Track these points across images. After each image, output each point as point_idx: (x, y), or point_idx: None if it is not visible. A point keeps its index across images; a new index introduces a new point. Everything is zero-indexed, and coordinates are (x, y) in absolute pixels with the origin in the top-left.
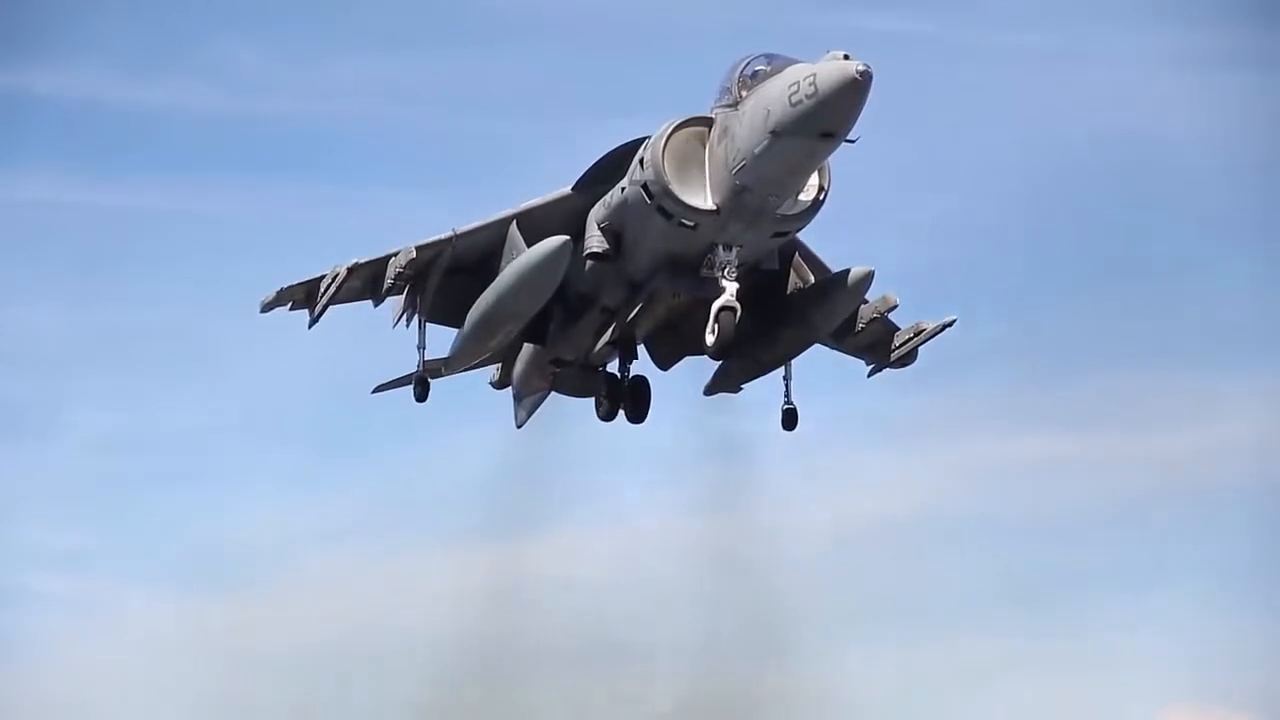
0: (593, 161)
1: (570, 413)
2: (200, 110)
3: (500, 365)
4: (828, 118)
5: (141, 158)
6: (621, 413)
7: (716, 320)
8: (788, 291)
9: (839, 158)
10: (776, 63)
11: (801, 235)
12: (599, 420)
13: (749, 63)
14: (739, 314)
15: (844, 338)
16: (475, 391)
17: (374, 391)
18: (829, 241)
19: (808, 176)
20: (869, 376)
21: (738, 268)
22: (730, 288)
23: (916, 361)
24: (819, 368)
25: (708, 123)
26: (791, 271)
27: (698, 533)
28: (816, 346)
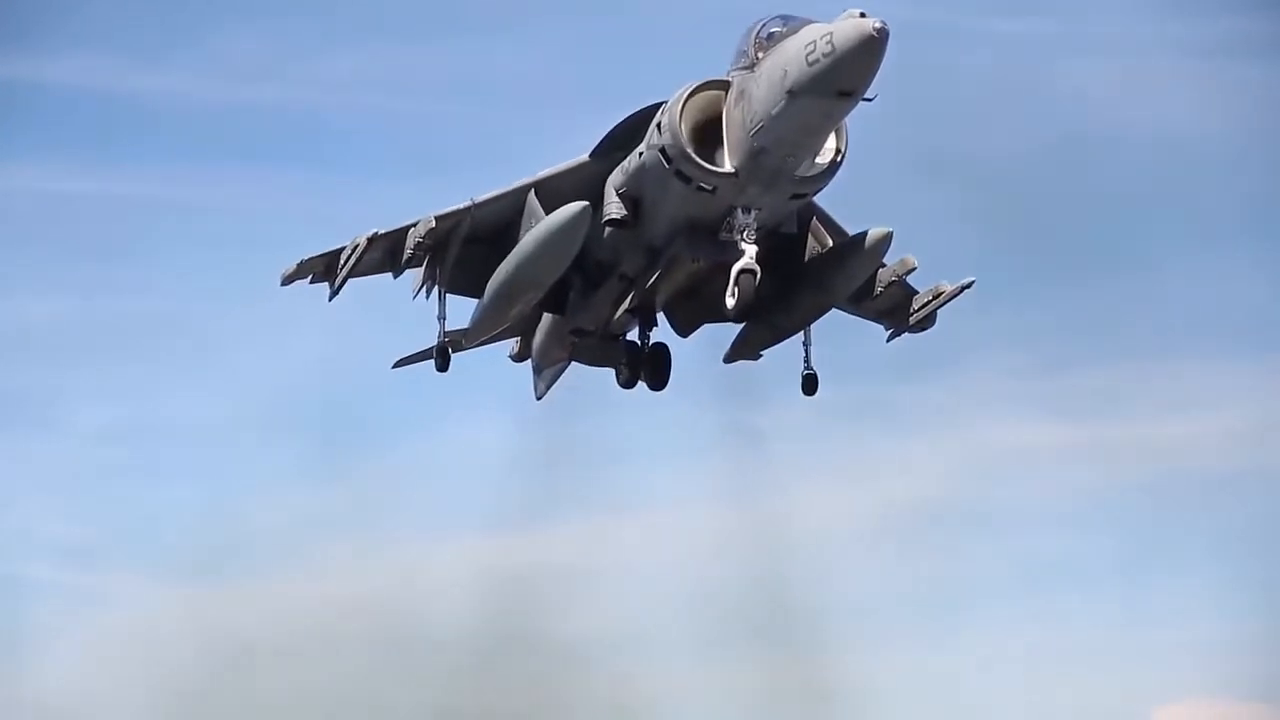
0: (610, 127)
1: (589, 384)
2: (200, 99)
3: (519, 338)
4: (845, 76)
5: (141, 146)
6: (642, 380)
7: (736, 283)
8: (806, 257)
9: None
10: (792, 24)
11: (820, 202)
12: (620, 388)
13: (764, 24)
14: (759, 276)
15: (862, 302)
16: (494, 366)
17: (394, 366)
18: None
19: (825, 137)
20: (888, 341)
21: (756, 231)
22: (750, 250)
23: (934, 325)
24: (833, 354)
25: (724, 86)
26: (810, 236)
27: (713, 520)
28: (835, 313)
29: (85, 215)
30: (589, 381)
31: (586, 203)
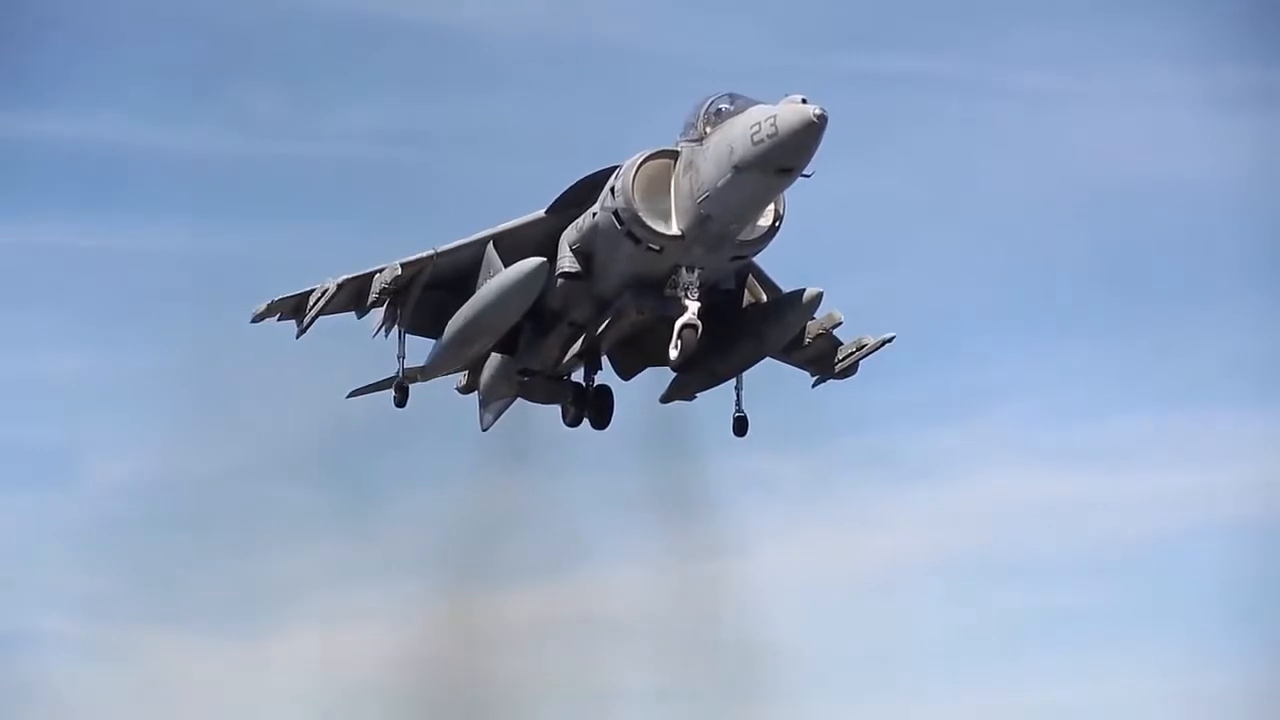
0: (566, 187)
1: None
2: (217, 153)
3: (468, 372)
4: (786, 156)
5: (158, 201)
6: (586, 419)
7: (680, 336)
8: (743, 308)
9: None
10: (739, 102)
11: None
12: (565, 427)
13: (713, 101)
14: (700, 331)
15: (792, 351)
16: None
17: (349, 396)
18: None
19: (765, 207)
20: (813, 387)
21: (699, 288)
22: (693, 306)
23: (857, 373)
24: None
25: (674, 155)
26: (745, 291)
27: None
28: (767, 360)
29: (102, 270)
30: (536, 423)
31: (544, 259)
